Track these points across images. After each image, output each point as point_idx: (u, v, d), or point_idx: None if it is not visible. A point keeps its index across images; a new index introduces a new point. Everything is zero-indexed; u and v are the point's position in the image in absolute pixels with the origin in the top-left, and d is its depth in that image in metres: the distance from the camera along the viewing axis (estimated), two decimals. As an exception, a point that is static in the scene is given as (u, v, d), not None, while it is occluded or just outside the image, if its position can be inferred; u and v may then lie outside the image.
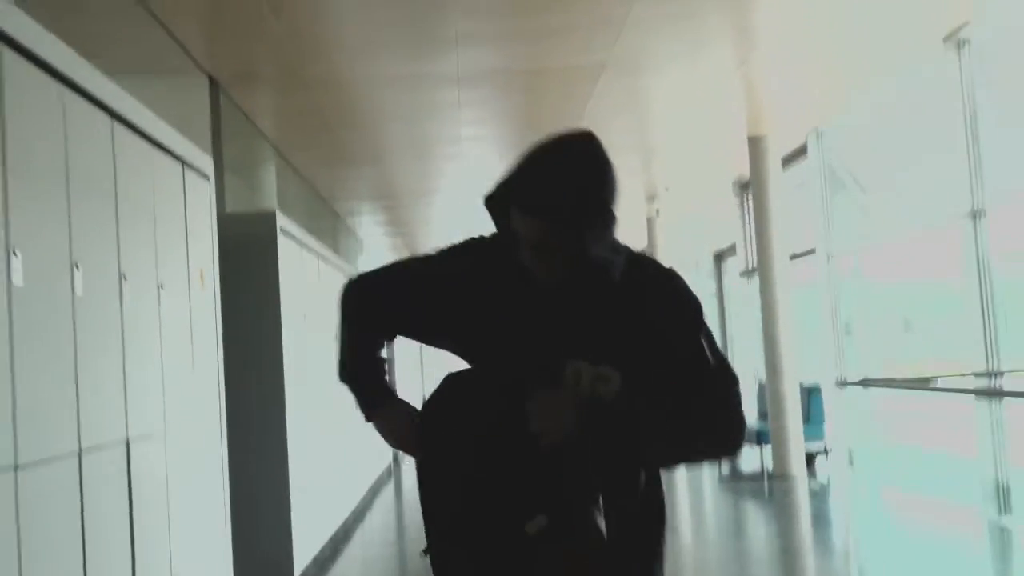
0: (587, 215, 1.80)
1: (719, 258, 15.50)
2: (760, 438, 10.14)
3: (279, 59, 6.77)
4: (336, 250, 11.20)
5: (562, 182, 1.79)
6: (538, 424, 1.75)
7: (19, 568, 2.40)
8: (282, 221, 6.27)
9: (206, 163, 4.42)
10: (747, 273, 12.47)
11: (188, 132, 4.26)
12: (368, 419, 2.01)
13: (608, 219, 1.83)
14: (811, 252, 10.67)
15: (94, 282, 2.97)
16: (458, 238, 2.02)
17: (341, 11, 5.98)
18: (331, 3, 5.87)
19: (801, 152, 10.66)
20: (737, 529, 8.38)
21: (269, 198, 8.62)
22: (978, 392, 7.29)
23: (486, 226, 2.01)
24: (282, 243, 6.27)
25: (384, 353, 2.04)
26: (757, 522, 8.62)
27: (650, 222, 15.03)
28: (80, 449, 2.82)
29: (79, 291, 2.85)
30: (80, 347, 2.85)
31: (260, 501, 5.83)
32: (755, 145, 10.21)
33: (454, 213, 13.82)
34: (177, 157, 3.98)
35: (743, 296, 13.23)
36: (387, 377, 2.04)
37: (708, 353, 1.85)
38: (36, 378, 2.55)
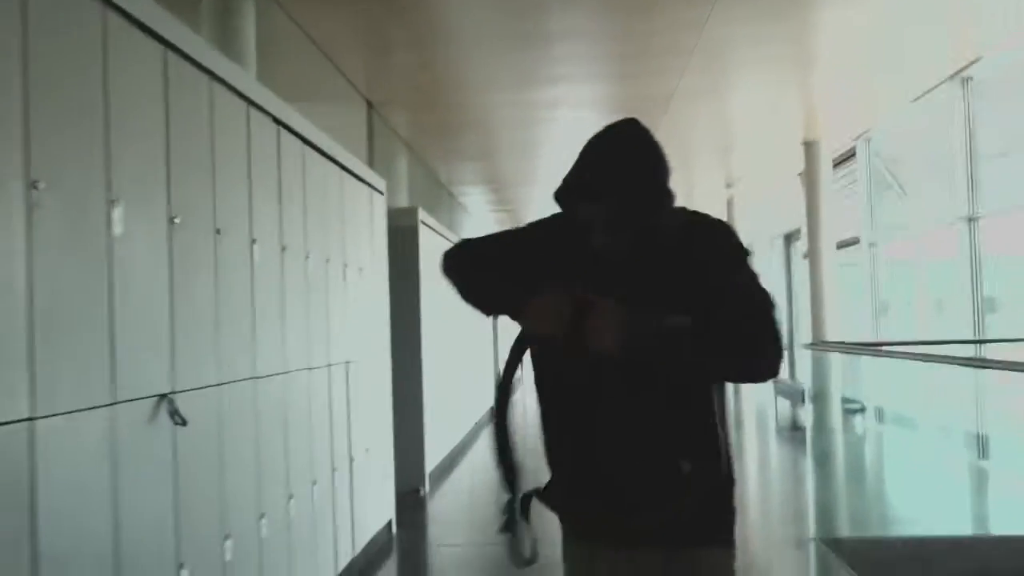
0: (640, 191, 1.97)
1: (788, 239, 17.15)
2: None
3: (420, 90, 8.89)
4: (450, 225, 13.35)
5: (612, 166, 2.00)
6: (591, 328, 1.87)
7: (310, 422, 4.57)
8: (421, 215, 8.39)
9: (382, 184, 6.55)
10: (808, 255, 14.13)
11: (347, 140, 6.08)
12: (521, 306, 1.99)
13: (659, 191, 1.99)
14: (855, 241, 12.33)
15: (334, 269, 5.12)
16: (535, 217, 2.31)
17: (471, 58, 8.04)
18: (464, 54, 7.94)
19: (851, 155, 12.32)
20: (792, 465, 10.36)
21: (404, 187, 10.80)
22: (964, 361, 9.02)
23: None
24: (421, 231, 8.40)
25: None
26: (802, 460, 10.59)
27: (729, 203, 16.80)
28: (330, 364, 4.99)
29: (332, 274, 5.01)
30: (329, 307, 5.01)
31: (404, 420, 7.95)
32: (809, 149, 11.89)
33: (548, 193, 15.79)
34: (368, 183, 6.12)
35: (806, 274, 14.89)
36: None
37: (756, 284, 1.98)
38: (314, 324, 4.70)
